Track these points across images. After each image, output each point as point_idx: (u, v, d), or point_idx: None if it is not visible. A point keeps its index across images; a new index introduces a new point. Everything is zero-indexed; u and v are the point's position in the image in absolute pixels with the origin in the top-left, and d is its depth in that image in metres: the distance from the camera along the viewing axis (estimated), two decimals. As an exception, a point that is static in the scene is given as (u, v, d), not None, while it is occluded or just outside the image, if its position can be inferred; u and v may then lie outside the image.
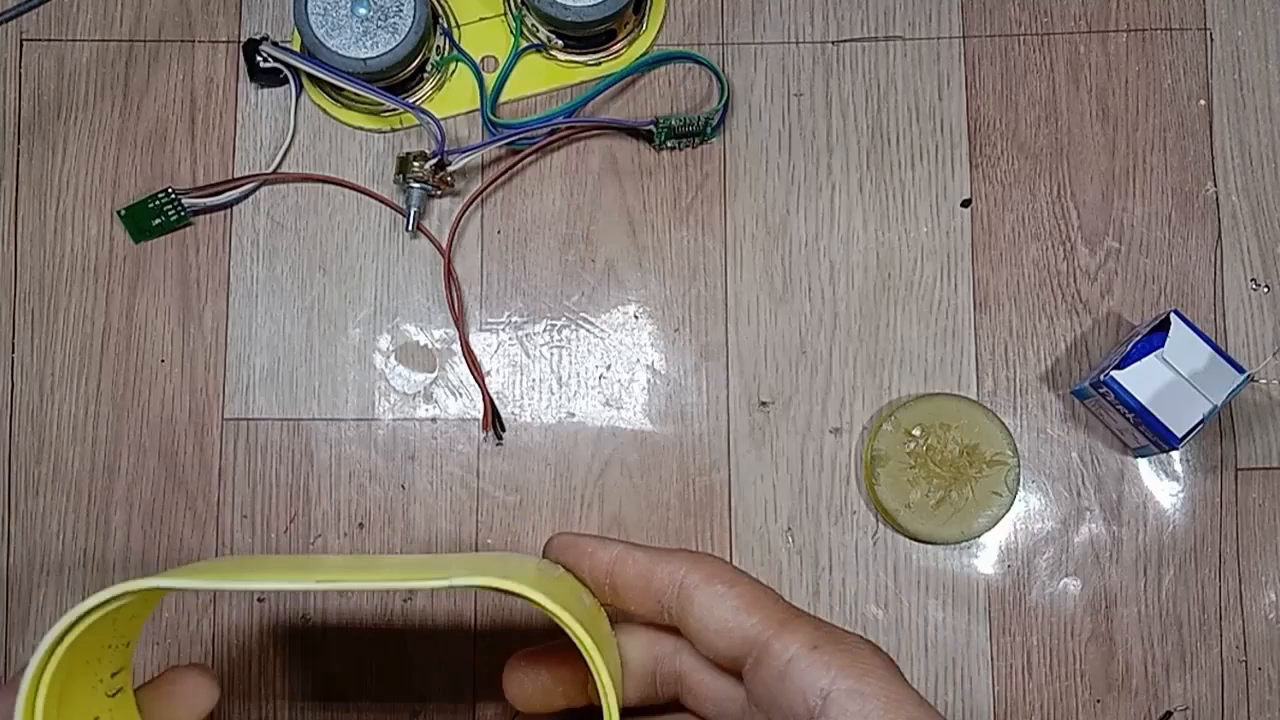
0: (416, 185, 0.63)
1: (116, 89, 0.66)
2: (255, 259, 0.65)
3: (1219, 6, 0.67)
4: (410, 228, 0.63)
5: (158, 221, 0.64)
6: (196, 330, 0.65)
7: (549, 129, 0.64)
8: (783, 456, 0.64)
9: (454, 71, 0.66)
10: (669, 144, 0.65)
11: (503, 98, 0.66)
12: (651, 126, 0.64)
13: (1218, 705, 0.62)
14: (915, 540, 0.63)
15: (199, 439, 0.64)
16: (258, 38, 0.65)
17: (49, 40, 0.67)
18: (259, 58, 0.64)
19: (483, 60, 0.66)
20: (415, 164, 0.63)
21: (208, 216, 0.65)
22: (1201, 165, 0.66)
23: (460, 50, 0.66)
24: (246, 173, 0.65)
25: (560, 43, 0.66)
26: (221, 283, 0.65)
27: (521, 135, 0.64)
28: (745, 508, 0.63)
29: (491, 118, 0.65)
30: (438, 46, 0.66)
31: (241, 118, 0.66)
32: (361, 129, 0.66)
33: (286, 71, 0.64)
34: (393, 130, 0.66)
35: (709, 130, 0.64)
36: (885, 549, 0.63)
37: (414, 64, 0.64)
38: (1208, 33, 0.67)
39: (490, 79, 0.66)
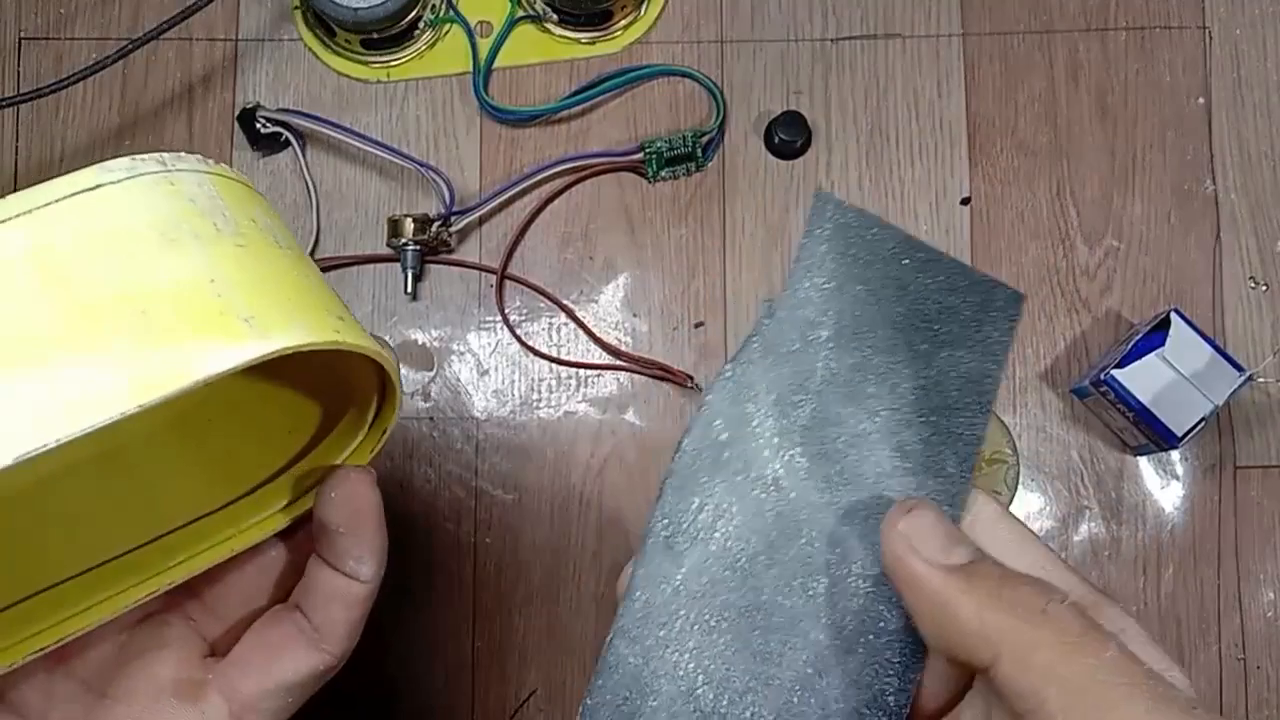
0: (414, 247, 0.63)
1: (114, 87, 0.66)
2: (254, 257, 0.65)
3: (1218, 5, 0.67)
4: (409, 290, 0.64)
5: None
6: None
7: (547, 175, 0.64)
8: (782, 455, 0.64)
9: (448, 32, 0.67)
10: (663, 174, 0.65)
11: (495, 65, 0.66)
12: (640, 154, 0.64)
13: (1216, 703, 0.62)
14: (914, 539, 0.63)
15: (197, 438, 0.64)
16: (250, 106, 0.64)
17: (47, 39, 0.67)
18: (257, 124, 0.64)
19: (478, 25, 0.66)
20: (412, 225, 0.63)
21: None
22: (1200, 163, 0.66)
23: (456, 11, 0.66)
24: (244, 169, 0.66)
25: (556, 16, 0.66)
26: (220, 281, 0.65)
27: (518, 188, 0.64)
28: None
29: (484, 96, 0.65)
30: (433, 5, 0.66)
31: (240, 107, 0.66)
32: (351, 78, 0.66)
33: (287, 134, 0.64)
34: (379, 82, 0.66)
35: (700, 154, 0.64)
36: (884, 547, 0.63)
37: (406, 19, 0.64)
38: (1206, 31, 0.67)
39: (484, 45, 0.66)
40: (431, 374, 0.65)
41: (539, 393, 0.64)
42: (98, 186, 0.28)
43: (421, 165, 0.64)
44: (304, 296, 0.29)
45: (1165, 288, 0.65)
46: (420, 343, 0.65)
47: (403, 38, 0.66)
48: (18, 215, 0.27)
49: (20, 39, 0.66)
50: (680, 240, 0.65)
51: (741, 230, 0.65)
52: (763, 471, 0.32)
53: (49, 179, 0.27)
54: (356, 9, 0.62)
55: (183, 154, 0.29)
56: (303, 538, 0.38)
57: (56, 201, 0.27)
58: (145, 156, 0.29)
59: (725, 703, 0.31)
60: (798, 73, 0.67)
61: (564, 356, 0.65)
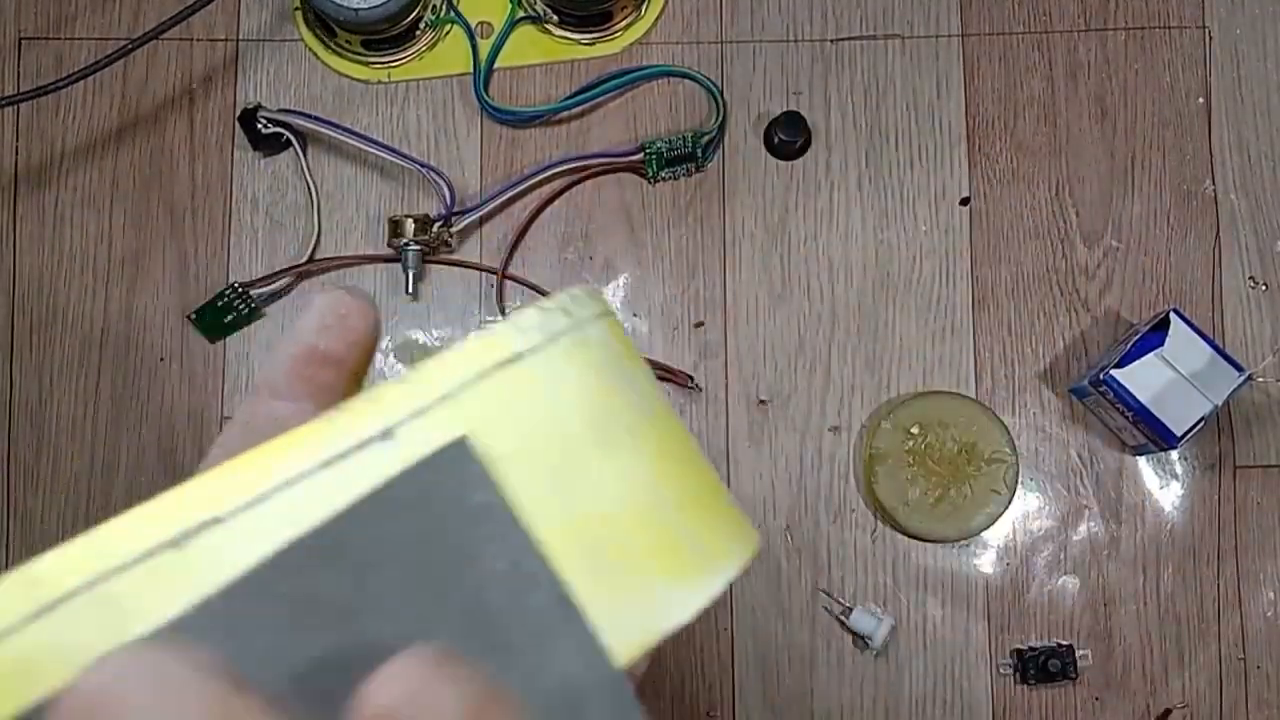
0: (415, 247, 0.63)
1: (115, 87, 0.66)
2: (254, 257, 0.65)
3: (1218, 4, 0.67)
4: (410, 290, 0.64)
5: (230, 318, 0.64)
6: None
7: (547, 175, 0.65)
8: (781, 454, 0.64)
9: (448, 33, 0.67)
10: (663, 174, 0.65)
11: (495, 66, 0.66)
12: (640, 155, 0.64)
13: (1216, 703, 0.62)
14: (914, 538, 0.63)
15: (198, 437, 0.64)
16: (251, 106, 0.64)
17: (47, 39, 0.67)
18: (259, 124, 0.63)
19: (478, 26, 0.67)
20: (413, 225, 0.63)
21: (206, 213, 0.65)
22: (1200, 163, 0.66)
23: (457, 12, 0.66)
24: (244, 169, 0.66)
25: (556, 17, 0.66)
26: (220, 280, 0.65)
27: (518, 188, 0.64)
28: (744, 506, 0.63)
29: (485, 96, 0.65)
30: (434, 6, 0.66)
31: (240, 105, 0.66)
32: (352, 78, 0.66)
33: (288, 134, 0.64)
34: (379, 82, 0.66)
35: (700, 154, 0.65)
36: (884, 547, 0.63)
37: (407, 20, 0.64)
38: (1206, 31, 0.67)
39: (484, 46, 0.66)
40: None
41: (539, 392, 0.64)
42: (518, 357, 0.21)
43: (422, 166, 0.64)
44: (712, 483, 0.24)
45: (1164, 287, 0.65)
46: (421, 342, 0.65)
47: (403, 38, 0.66)
48: (437, 401, 0.21)
49: (20, 38, 0.67)
50: (680, 240, 0.65)
51: (741, 230, 0.65)
52: None
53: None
54: (357, 9, 0.62)
55: (576, 291, 0.23)
56: None
57: (478, 380, 0.21)
58: (550, 306, 0.22)
59: None
60: (797, 73, 0.67)
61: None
